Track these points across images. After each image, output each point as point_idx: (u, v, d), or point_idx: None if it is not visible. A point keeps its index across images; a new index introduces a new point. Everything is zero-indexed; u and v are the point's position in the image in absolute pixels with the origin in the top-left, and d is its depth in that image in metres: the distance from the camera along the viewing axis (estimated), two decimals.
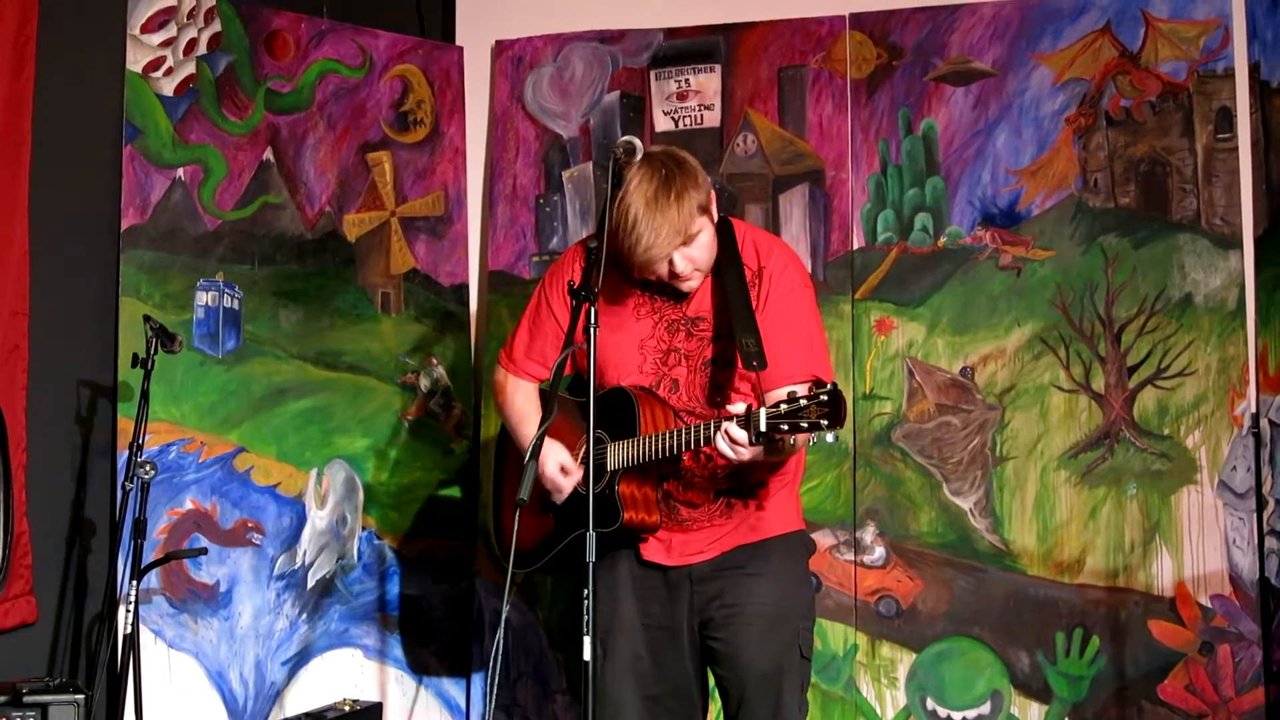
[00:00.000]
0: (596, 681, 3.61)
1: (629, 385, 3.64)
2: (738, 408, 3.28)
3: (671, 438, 3.47)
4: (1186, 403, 4.49)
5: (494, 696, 3.64)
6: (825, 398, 3.14)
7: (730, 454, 3.32)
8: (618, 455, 3.59)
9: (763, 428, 3.22)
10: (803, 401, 3.17)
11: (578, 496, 3.69)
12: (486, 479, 5.15)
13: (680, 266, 3.53)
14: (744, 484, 3.66)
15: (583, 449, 3.62)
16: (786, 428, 3.19)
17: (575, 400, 3.85)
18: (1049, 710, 4.54)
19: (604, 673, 3.67)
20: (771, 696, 3.63)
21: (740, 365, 3.48)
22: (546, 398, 3.35)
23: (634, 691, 3.69)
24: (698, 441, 3.40)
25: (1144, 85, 4.63)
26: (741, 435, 3.27)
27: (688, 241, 3.50)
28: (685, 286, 3.61)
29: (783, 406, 3.20)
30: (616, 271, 3.67)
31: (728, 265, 3.62)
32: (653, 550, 3.72)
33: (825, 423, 3.14)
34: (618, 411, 3.61)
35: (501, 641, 3.31)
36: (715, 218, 3.61)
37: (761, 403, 3.37)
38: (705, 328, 3.64)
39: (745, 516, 3.68)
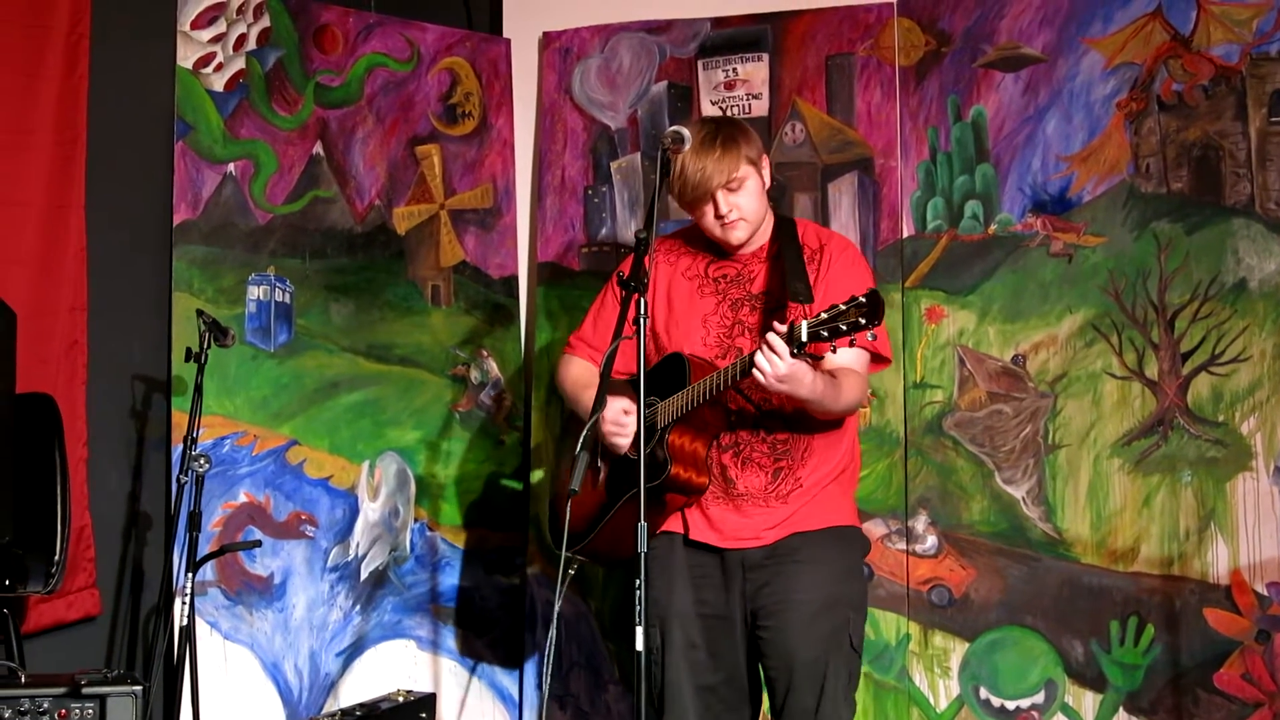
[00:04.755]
0: (654, 670, 3.69)
1: (685, 352, 3.72)
2: (782, 326, 3.34)
3: (715, 378, 3.53)
4: (1241, 389, 4.45)
5: (549, 685, 3.66)
6: (864, 300, 3.21)
7: (765, 366, 3.34)
8: (667, 410, 3.64)
9: (804, 337, 3.27)
10: (842, 306, 3.24)
11: (628, 462, 3.70)
12: (539, 469, 5.16)
13: (722, 207, 3.70)
14: (801, 459, 3.71)
15: (648, 412, 3.67)
16: (827, 334, 3.25)
17: (630, 381, 3.88)
18: (1104, 699, 4.51)
19: (665, 661, 3.72)
20: (815, 685, 3.63)
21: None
22: (598, 389, 3.38)
23: (689, 680, 3.72)
24: (741, 371, 3.45)
25: (1196, 69, 4.58)
26: (781, 346, 3.31)
27: (732, 186, 3.70)
28: (733, 235, 3.76)
29: (824, 315, 3.27)
30: (685, 253, 3.92)
31: (787, 245, 3.77)
32: (701, 529, 3.75)
33: (864, 320, 3.20)
34: (671, 379, 3.67)
35: (555, 631, 3.32)
36: (765, 177, 3.82)
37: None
38: (771, 301, 3.73)
39: (801, 504, 3.70)
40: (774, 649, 3.67)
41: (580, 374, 4.02)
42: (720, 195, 3.69)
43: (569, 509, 3.29)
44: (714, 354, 3.74)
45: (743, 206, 3.72)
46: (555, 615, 3.34)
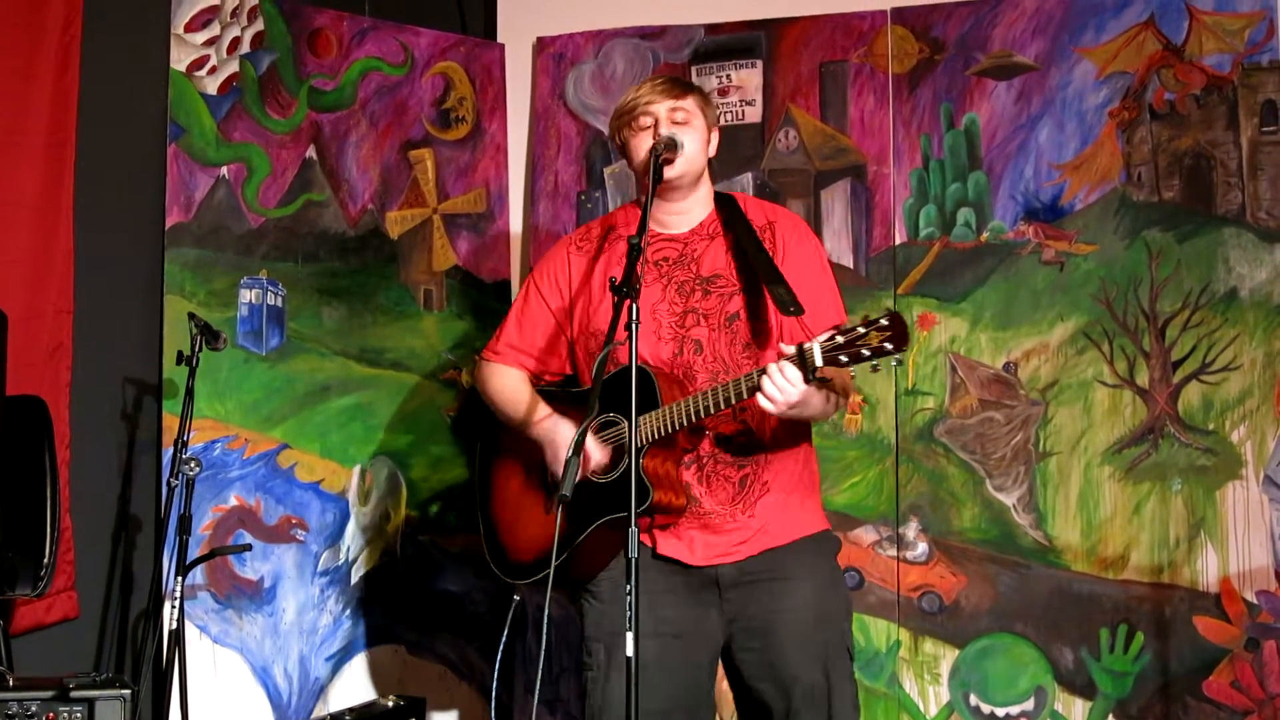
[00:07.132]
0: (594, 690, 3.52)
1: (640, 363, 3.39)
2: (789, 349, 3.17)
3: (707, 397, 3.31)
4: (1231, 397, 4.46)
5: (539, 692, 3.60)
6: (886, 321, 3.05)
7: (778, 396, 3.17)
8: (645, 430, 3.40)
9: (819, 361, 3.10)
10: (861, 330, 3.07)
11: (593, 486, 3.49)
12: None
13: (664, 130, 3.49)
14: (766, 462, 3.52)
15: (609, 430, 3.50)
16: (846, 359, 3.08)
17: (570, 393, 3.71)
18: (1093, 707, 4.52)
19: (607, 681, 3.50)
20: (822, 707, 3.45)
21: (772, 317, 3.44)
22: (589, 392, 3.23)
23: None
24: (739, 394, 3.26)
25: (1188, 78, 4.60)
26: (795, 374, 3.15)
27: (678, 117, 3.51)
28: (668, 168, 3.46)
29: (839, 338, 3.10)
30: (618, 239, 3.68)
31: (737, 224, 3.58)
32: (671, 545, 3.52)
33: (890, 346, 3.03)
34: (629, 392, 3.32)
35: (546, 637, 3.20)
36: (712, 143, 3.62)
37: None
38: (724, 284, 3.53)
39: (769, 514, 3.51)
40: (767, 671, 3.49)
41: (512, 384, 3.77)
42: (665, 115, 3.51)
43: (559, 515, 3.07)
44: (671, 350, 3.51)
45: (684, 143, 3.49)
46: (546, 620, 3.22)
